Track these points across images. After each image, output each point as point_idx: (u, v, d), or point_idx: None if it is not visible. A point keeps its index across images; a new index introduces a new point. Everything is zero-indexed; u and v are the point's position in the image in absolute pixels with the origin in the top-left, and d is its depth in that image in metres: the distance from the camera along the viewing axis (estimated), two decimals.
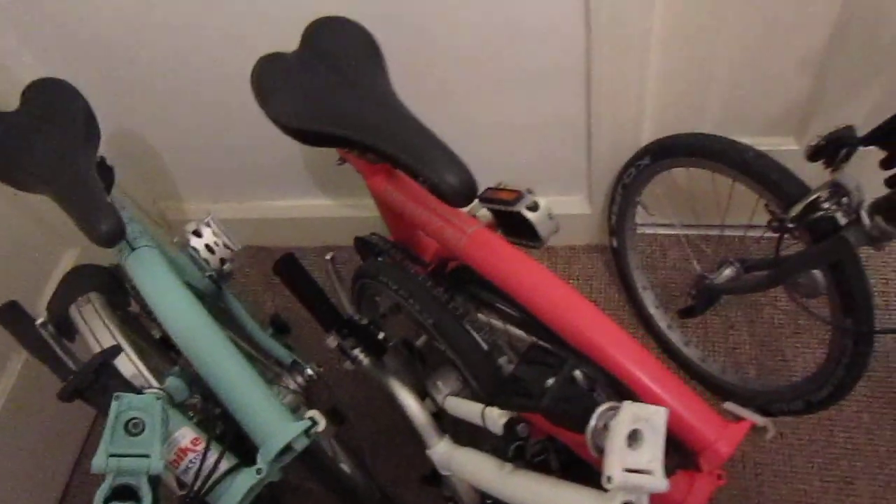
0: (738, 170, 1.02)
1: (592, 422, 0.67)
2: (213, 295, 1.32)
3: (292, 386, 1.16)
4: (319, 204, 1.57)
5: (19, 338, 1.06)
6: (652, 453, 0.65)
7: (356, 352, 1.09)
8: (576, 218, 1.46)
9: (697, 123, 1.26)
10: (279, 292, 1.67)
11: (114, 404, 0.76)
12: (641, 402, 0.81)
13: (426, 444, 0.98)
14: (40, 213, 1.43)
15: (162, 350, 1.11)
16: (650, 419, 0.66)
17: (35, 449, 1.43)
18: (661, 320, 1.36)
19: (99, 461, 0.72)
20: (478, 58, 1.17)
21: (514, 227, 1.01)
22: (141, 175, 1.57)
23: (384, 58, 0.95)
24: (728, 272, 1.15)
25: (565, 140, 1.29)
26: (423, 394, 1.11)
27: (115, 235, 0.93)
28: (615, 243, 1.36)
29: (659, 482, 0.63)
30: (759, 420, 0.80)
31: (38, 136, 1.02)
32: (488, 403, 0.88)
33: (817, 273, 0.97)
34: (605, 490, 0.62)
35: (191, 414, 0.95)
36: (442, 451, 0.96)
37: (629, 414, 0.65)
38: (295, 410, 1.13)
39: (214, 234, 1.05)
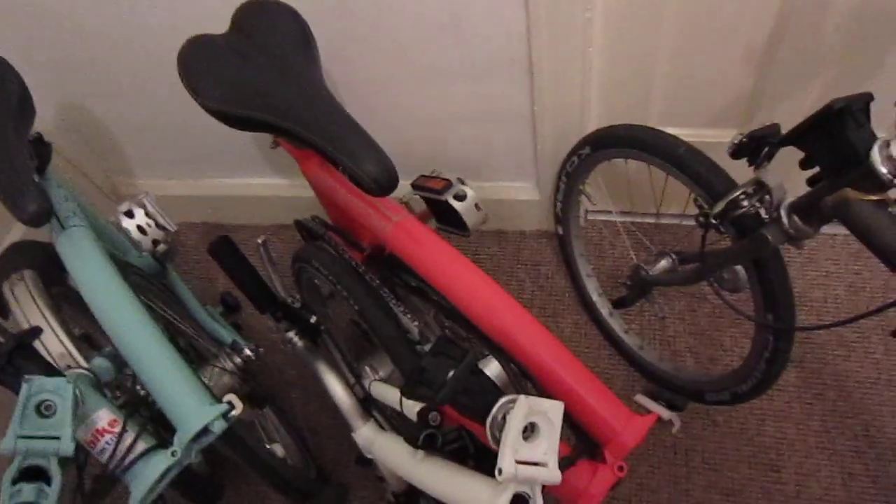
0: (670, 163, 1.02)
1: (491, 414, 0.69)
2: (157, 273, 1.33)
3: (229, 366, 1.17)
4: (270, 183, 1.57)
5: None
6: (547, 446, 0.66)
7: (290, 334, 1.11)
8: (525, 203, 1.47)
9: (643, 114, 1.27)
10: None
11: (24, 387, 0.77)
12: (549, 392, 0.84)
13: (351, 428, 1.00)
14: None
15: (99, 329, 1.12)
16: (547, 413, 0.67)
17: None
18: (603, 308, 1.38)
19: (6, 443, 0.74)
20: (422, 46, 1.16)
21: (444, 215, 1.02)
22: (94, 149, 1.56)
23: (315, 43, 0.95)
24: (664, 263, 1.16)
25: (512, 128, 1.30)
26: (357, 374, 1.13)
27: (40, 216, 0.93)
28: (560, 231, 1.37)
29: (552, 475, 0.65)
30: (665, 414, 0.82)
31: None
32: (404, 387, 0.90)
33: (740, 269, 0.98)
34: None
35: (118, 394, 0.96)
36: (365, 435, 0.98)
37: (524, 407, 0.67)
38: (228, 391, 1.15)
39: (147, 214, 1.04)
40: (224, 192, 1.61)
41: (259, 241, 1.13)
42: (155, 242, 1.06)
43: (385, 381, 1.09)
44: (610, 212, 1.33)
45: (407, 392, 0.80)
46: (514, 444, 0.65)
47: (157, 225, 1.06)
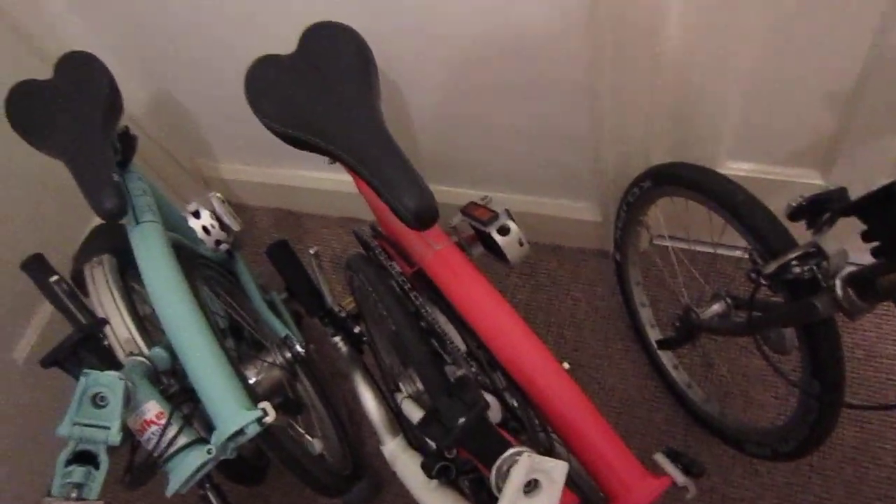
0: (727, 210, 0.98)
1: (496, 463, 0.71)
2: (224, 262, 1.41)
3: (279, 361, 1.23)
4: (338, 178, 1.62)
5: (42, 289, 1.17)
6: (546, 503, 0.67)
7: (336, 339, 1.16)
8: (586, 224, 1.45)
9: (713, 148, 1.22)
10: (301, 257, 1.74)
11: (82, 380, 0.85)
12: (564, 438, 0.85)
13: (380, 440, 1.04)
14: None
15: None
16: (550, 472, 0.69)
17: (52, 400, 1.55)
18: (654, 339, 1.35)
19: (63, 427, 0.82)
20: (486, 62, 1.16)
21: (489, 245, 1.03)
22: (181, 133, 1.65)
23: (376, 69, 0.97)
24: (717, 307, 1.12)
25: (574, 150, 1.28)
26: (395, 386, 1.16)
27: (116, 213, 1.01)
28: (618, 257, 1.35)
29: None
30: (681, 480, 0.80)
31: (62, 106, 1.10)
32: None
33: (789, 330, 0.94)
34: None
35: (173, 381, 1.04)
36: (391, 450, 1.02)
37: (527, 464, 0.68)
38: (275, 386, 1.22)
39: (212, 216, 1.11)
40: (297, 183, 1.68)
41: (311, 251, 1.18)
42: (218, 242, 1.13)
43: (421, 395, 1.13)
44: (667, 240, 1.29)
45: (422, 428, 0.83)
46: (513, 498, 0.67)
47: (222, 225, 1.13)
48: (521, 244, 0.97)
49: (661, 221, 1.24)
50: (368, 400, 1.04)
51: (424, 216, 0.84)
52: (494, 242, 0.98)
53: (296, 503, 1.41)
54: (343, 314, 1.12)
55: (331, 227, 1.74)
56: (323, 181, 1.65)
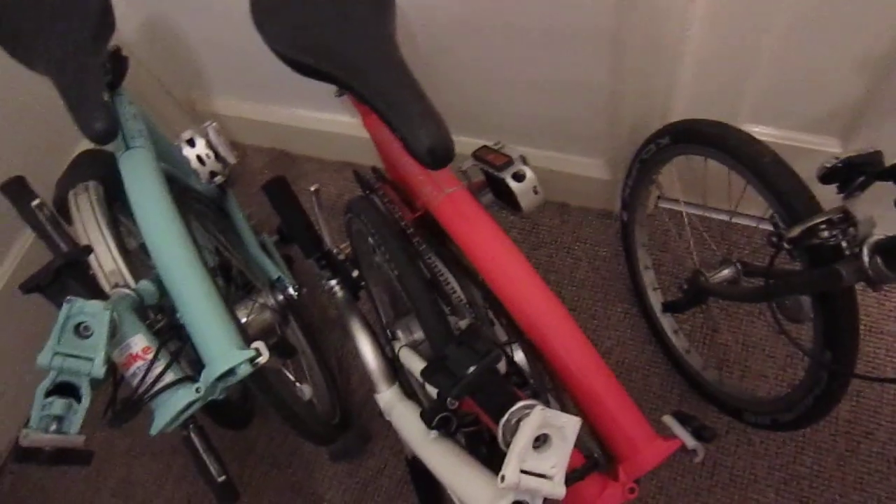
0: (752, 172, 0.94)
1: (505, 417, 0.67)
2: (216, 198, 1.35)
3: (270, 303, 1.19)
4: (339, 120, 1.55)
5: (22, 214, 1.11)
6: (556, 460, 0.64)
7: (332, 283, 1.11)
8: (594, 182, 1.41)
9: (733, 107, 1.17)
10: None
11: (64, 307, 0.80)
12: (572, 393, 0.82)
13: (374, 388, 1.00)
14: None
15: None
16: (562, 427, 0.65)
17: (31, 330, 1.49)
18: (656, 303, 1.32)
19: (44, 357, 0.77)
20: (504, 4, 1.09)
21: (501, 192, 0.98)
22: (177, 64, 1.57)
23: (394, 6, 0.90)
24: (727, 272, 1.09)
25: (590, 103, 1.22)
26: (392, 333, 1.12)
27: (105, 135, 0.95)
28: (625, 217, 1.31)
29: (556, 489, 0.63)
30: (690, 443, 0.78)
31: (50, 20, 1.03)
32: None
33: (805, 299, 0.91)
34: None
35: (160, 317, 0.99)
36: (387, 399, 0.98)
37: (539, 418, 0.64)
38: (266, 328, 1.18)
39: (208, 145, 1.05)
40: (294, 123, 1.61)
41: (312, 188, 1.12)
42: (212, 174, 1.07)
43: (418, 344, 1.09)
44: (679, 203, 1.25)
45: (426, 376, 0.79)
46: (522, 453, 0.63)
47: (217, 156, 1.07)
48: (535, 192, 0.92)
49: (674, 182, 1.20)
50: (365, 346, 1.00)
51: (440, 153, 0.79)
52: (507, 189, 0.93)
53: (281, 449, 1.38)
54: (342, 256, 1.07)
55: (327, 170, 1.68)
56: (322, 122, 1.58)
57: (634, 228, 1.31)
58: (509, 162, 0.94)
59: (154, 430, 0.85)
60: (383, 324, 1.20)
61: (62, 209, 1.12)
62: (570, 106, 1.25)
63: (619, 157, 1.31)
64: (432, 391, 0.85)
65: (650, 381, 1.31)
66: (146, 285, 1.00)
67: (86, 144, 1.50)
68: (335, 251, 1.08)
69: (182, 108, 1.67)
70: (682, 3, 0.97)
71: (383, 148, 1.02)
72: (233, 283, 1.32)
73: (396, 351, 1.02)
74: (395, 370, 1.04)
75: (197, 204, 1.25)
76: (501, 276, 0.84)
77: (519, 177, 0.92)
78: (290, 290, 1.19)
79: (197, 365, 0.90)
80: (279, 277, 1.22)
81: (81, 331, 0.80)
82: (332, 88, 1.47)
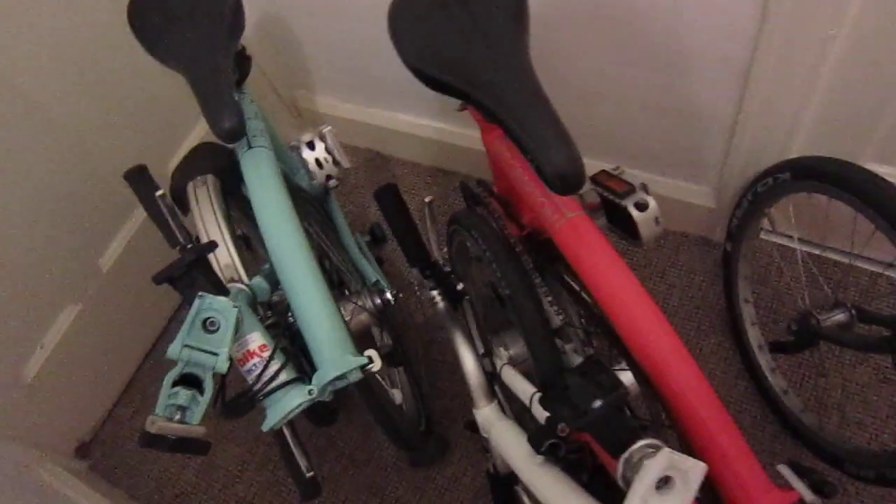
0: (884, 218, 0.90)
1: (626, 453, 0.67)
2: (320, 197, 1.38)
3: (368, 306, 1.20)
4: (441, 127, 1.56)
5: (143, 202, 1.15)
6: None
7: (434, 293, 1.12)
8: (696, 208, 1.37)
9: (857, 147, 1.12)
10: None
11: (196, 302, 0.83)
12: (686, 433, 0.80)
13: (473, 404, 1.01)
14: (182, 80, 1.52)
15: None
16: (687, 472, 0.64)
17: (133, 308, 1.55)
18: (754, 339, 1.28)
19: (174, 349, 0.80)
20: (635, 25, 1.08)
21: (618, 218, 0.97)
22: (283, 60, 1.61)
23: (528, 15, 0.90)
24: (840, 317, 1.05)
25: (707, 131, 1.20)
26: (489, 348, 1.12)
27: (234, 134, 0.98)
28: (728, 247, 1.27)
29: None
30: (809, 497, 0.75)
31: (186, 19, 1.06)
32: (540, 390, 0.89)
33: None
34: None
35: (269, 313, 1.02)
36: (486, 415, 0.98)
37: (665, 460, 0.63)
38: (363, 332, 1.19)
39: (327, 149, 1.07)
40: (392, 126, 1.63)
41: (426, 199, 1.13)
42: (328, 177, 1.09)
43: (515, 359, 1.09)
44: (793, 240, 1.21)
45: (545, 403, 0.79)
46: (645, 494, 0.63)
47: (334, 160, 1.09)
48: (657, 223, 0.91)
49: (790, 217, 1.16)
50: (468, 361, 1.00)
51: (571, 179, 0.78)
52: (628, 217, 0.92)
53: (360, 449, 1.40)
54: (447, 269, 1.08)
55: (420, 174, 1.70)
56: (420, 127, 1.60)
57: (738, 260, 1.27)
58: (631, 189, 0.92)
59: (266, 427, 0.87)
60: (479, 338, 1.20)
61: (178, 199, 1.16)
62: (684, 132, 1.22)
63: (727, 186, 1.27)
64: (541, 415, 0.85)
65: (741, 419, 1.27)
66: (259, 282, 1.03)
67: (195, 138, 1.57)
68: (442, 262, 1.09)
69: (285, 104, 1.71)
70: (821, 36, 0.94)
71: (499, 164, 1.02)
72: (327, 281, 1.35)
73: (498, 369, 1.02)
74: (493, 386, 1.04)
75: (303, 203, 1.27)
76: (623, 310, 0.83)
77: (641, 206, 0.90)
78: (388, 295, 1.21)
79: (295, 360, 0.92)
80: (377, 281, 1.24)
81: (208, 325, 0.83)
82: (437, 96, 1.50)
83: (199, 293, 0.83)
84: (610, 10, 1.07)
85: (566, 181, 0.78)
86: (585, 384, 0.73)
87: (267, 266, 1.10)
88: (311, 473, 0.95)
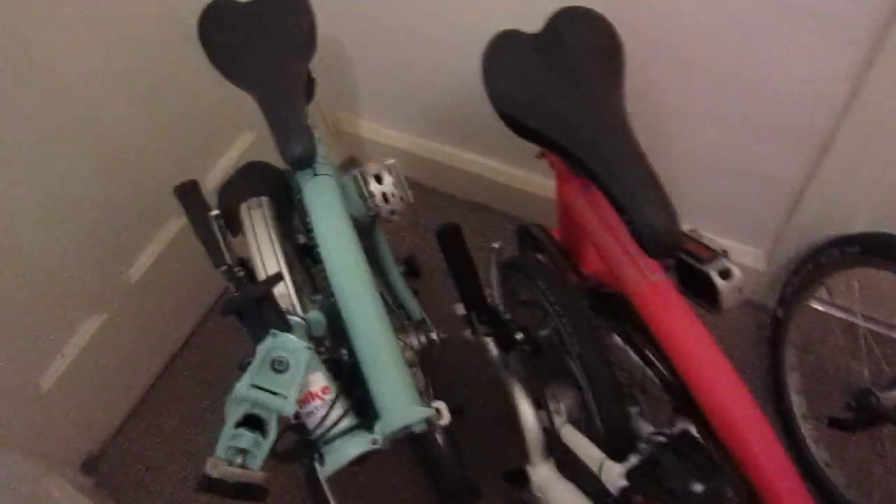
0: None
1: None
2: (366, 227, 1.34)
3: (414, 344, 1.16)
4: (492, 165, 1.53)
5: (192, 218, 1.11)
6: None
7: (488, 340, 1.08)
8: (746, 269, 1.34)
9: None
10: (421, 234, 1.66)
11: (269, 340, 0.79)
12: None
13: (529, 460, 0.97)
14: (226, 89, 1.48)
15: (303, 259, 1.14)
16: None
17: (154, 323, 1.51)
18: (799, 408, 1.26)
19: (242, 389, 0.76)
20: (722, 86, 1.06)
21: (695, 283, 0.94)
22: (332, 81, 1.57)
23: (624, 68, 0.88)
24: None
25: (772, 196, 1.18)
26: (537, 399, 1.09)
27: (305, 162, 0.95)
28: (780, 313, 1.26)
29: None
30: None
31: (260, 36, 1.03)
32: (611, 455, 0.85)
33: None
34: None
35: (322, 350, 0.98)
36: (543, 474, 0.95)
37: None
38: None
39: (394, 184, 1.04)
40: (435, 157, 1.60)
41: (495, 245, 1.10)
42: (392, 212, 1.06)
43: (564, 412, 1.05)
44: (855, 315, 1.19)
45: (633, 478, 0.76)
46: None
47: (399, 197, 1.05)
48: (740, 291, 0.88)
49: (852, 290, 1.14)
50: (528, 416, 0.97)
51: (668, 243, 0.76)
52: (709, 284, 0.89)
53: (382, 489, 1.35)
54: (507, 317, 1.04)
55: (458, 208, 1.67)
56: (464, 161, 1.57)
57: (788, 327, 1.26)
58: (714, 256, 0.90)
59: (324, 475, 0.83)
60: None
61: (226, 218, 1.12)
62: (748, 193, 1.21)
63: (781, 250, 1.26)
64: (614, 484, 0.81)
65: None
66: (316, 316, 0.98)
67: (235, 152, 1.52)
68: (501, 310, 1.05)
69: (326, 124, 1.67)
70: None
71: (572, 214, 0.99)
72: None
73: (558, 426, 0.99)
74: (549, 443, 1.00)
75: None
76: (706, 382, 0.80)
77: (726, 275, 0.88)
78: (433, 335, 1.17)
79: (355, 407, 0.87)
80: (423, 319, 1.20)
81: (276, 365, 0.79)
82: (497, 135, 1.46)
83: (273, 331, 0.79)
84: (698, 68, 1.06)
85: (663, 245, 0.76)
86: (681, 464, 0.70)
87: (319, 297, 1.06)
88: None
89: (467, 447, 1.35)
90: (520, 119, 0.86)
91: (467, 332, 1.18)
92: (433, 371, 1.41)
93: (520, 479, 1.04)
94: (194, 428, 1.49)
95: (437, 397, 1.23)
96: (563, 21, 0.89)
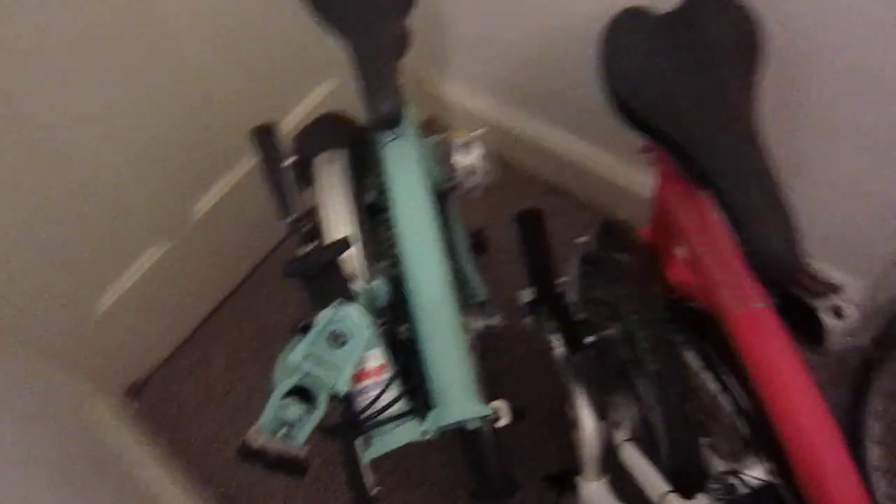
0: None
1: None
2: (441, 196, 1.27)
3: (472, 325, 1.11)
4: (578, 148, 1.43)
5: (264, 164, 1.06)
6: None
7: (555, 337, 1.02)
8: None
9: None
10: (493, 209, 1.59)
11: (329, 311, 0.73)
12: None
13: (582, 473, 0.91)
14: (312, 33, 1.42)
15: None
16: None
17: (213, 260, 1.49)
18: (874, 458, 1.16)
19: (295, 357, 0.71)
20: (881, 98, 0.95)
21: (797, 314, 0.85)
22: (422, 42, 1.49)
23: (761, 66, 0.78)
24: None
25: (890, 221, 1.06)
26: (602, 413, 1.02)
27: (393, 122, 0.88)
28: (874, 355, 1.15)
29: None
30: None
31: None
32: (675, 489, 0.78)
33: None
34: None
35: (381, 324, 0.92)
36: (595, 492, 0.89)
37: None
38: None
39: (482, 156, 0.96)
40: (518, 130, 1.51)
41: (581, 240, 1.02)
42: (473, 187, 0.99)
43: (627, 427, 0.98)
44: None
45: None
46: None
47: (485, 171, 0.98)
48: (851, 336, 0.79)
49: None
50: (589, 427, 0.90)
51: (785, 272, 0.67)
52: (816, 322, 0.80)
53: (416, 467, 1.32)
54: (581, 317, 0.97)
55: (535, 187, 1.58)
56: (550, 140, 1.48)
57: (881, 371, 1.15)
58: (828, 290, 0.80)
59: (367, 458, 0.79)
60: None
61: (300, 171, 1.07)
62: (869, 221, 1.09)
63: (889, 286, 1.14)
64: None
65: None
66: (379, 286, 0.93)
67: (312, 101, 1.46)
68: (574, 307, 0.98)
69: (411, 85, 1.59)
70: None
71: (669, 218, 0.91)
72: None
73: (617, 442, 0.92)
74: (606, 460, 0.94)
75: None
76: (799, 428, 0.72)
77: (840, 313, 0.78)
78: (495, 321, 1.11)
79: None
80: (486, 301, 1.14)
81: (334, 338, 0.74)
82: (589, 118, 1.37)
83: (339, 301, 0.74)
84: (858, 78, 0.94)
85: (779, 274, 0.67)
86: None
87: (384, 264, 1.00)
88: (376, 490, 0.86)
89: (505, 437, 1.31)
90: (636, 108, 0.77)
91: (529, 320, 1.12)
92: (483, 355, 1.36)
93: (562, 484, 0.99)
94: (235, 374, 1.48)
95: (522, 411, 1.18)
96: (699, 4, 0.79)
